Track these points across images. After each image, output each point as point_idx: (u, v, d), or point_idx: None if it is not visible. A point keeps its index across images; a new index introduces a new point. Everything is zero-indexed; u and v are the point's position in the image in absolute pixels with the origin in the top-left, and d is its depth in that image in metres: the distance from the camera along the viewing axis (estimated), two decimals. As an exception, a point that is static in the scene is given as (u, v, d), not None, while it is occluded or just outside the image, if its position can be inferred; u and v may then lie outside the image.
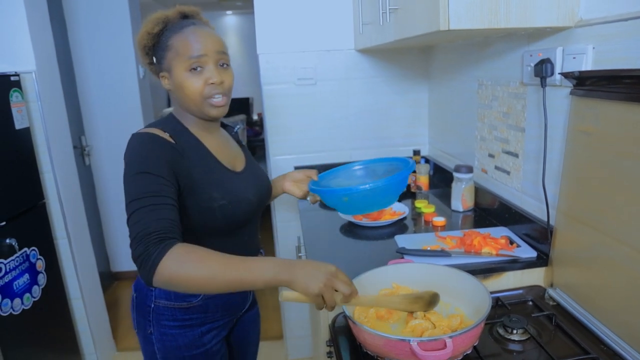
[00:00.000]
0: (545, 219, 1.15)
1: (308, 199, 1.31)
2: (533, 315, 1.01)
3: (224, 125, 1.24)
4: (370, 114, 2.08)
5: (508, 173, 1.40)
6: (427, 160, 2.01)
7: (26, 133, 1.89)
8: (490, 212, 1.50)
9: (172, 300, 1.06)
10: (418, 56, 2.05)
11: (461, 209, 1.58)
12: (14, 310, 1.74)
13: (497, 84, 1.42)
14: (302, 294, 0.81)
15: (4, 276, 1.70)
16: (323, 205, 1.73)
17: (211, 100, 1.02)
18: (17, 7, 1.84)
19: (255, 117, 5.12)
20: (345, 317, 0.91)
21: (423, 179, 1.82)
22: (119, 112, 3.07)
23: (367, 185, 1.12)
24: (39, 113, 1.94)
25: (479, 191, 1.58)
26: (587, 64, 0.99)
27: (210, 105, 1.03)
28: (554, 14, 1.01)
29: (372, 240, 1.46)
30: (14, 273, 1.76)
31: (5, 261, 1.71)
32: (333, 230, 1.53)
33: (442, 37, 1.47)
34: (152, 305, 1.07)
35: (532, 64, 1.15)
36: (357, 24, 1.83)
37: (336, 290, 0.82)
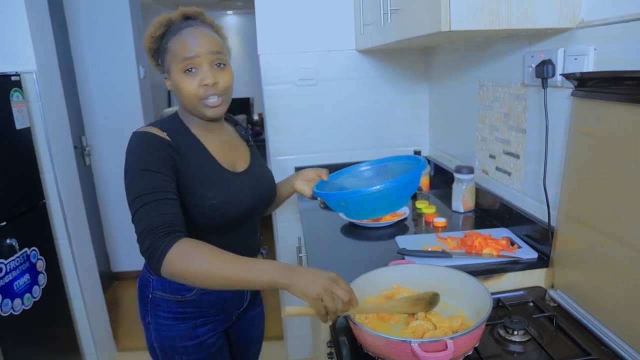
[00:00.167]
0: (546, 220, 1.15)
1: (318, 199, 1.29)
2: (534, 316, 1.01)
3: (235, 124, 1.24)
4: (371, 115, 2.08)
5: (509, 174, 1.40)
6: (427, 161, 2.00)
7: (27, 133, 1.89)
8: (491, 213, 1.50)
9: (167, 293, 1.09)
10: (419, 57, 2.05)
11: (462, 210, 1.58)
12: (14, 310, 1.74)
13: (498, 85, 1.42)
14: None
15: (4, 276, 1.70)
16: (326, 207, 1.72)
17: (206, 102, 1.03)
18: (17, 8, 1.84)
19: (255, 117, 5.12)
20: (346, 317, 0.91)
21: (424, 180, 1.82)
22: (119, 112, 3.07)
23: (379, 186, 1.00)
24: (39, 113, 1.95)
25: (479, 192, 1.58)
26: (589, 65, 0.99)
27: (205, 106, 1.03)
28: (556, 15, 1.01)
29: (373, 241, 1.46)
30: (14, 273, 1.76)
31: (5, 261, 1.71)
32: (334, 231, 1.53)
33: (443, 38, 1.47)
34: (150, 296, 1.11)
35: (534, 65, 1.15)
36: (358, 24, 1.83)
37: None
